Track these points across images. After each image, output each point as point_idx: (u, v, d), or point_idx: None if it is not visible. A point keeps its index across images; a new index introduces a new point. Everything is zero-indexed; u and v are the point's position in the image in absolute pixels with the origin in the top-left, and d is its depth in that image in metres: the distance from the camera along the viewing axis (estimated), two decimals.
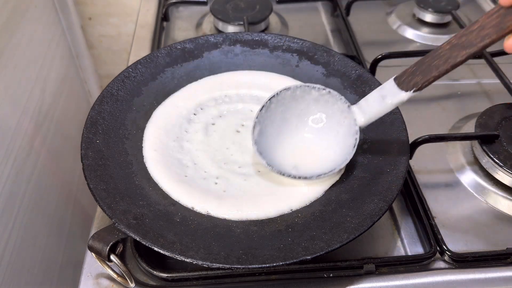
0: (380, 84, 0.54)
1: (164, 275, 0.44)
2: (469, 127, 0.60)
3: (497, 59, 0.66)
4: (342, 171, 0.49)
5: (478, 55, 0.55)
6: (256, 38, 0.62)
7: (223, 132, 0.55)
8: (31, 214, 0.74)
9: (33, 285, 0.74)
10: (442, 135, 0.56)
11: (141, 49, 0.75)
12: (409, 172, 0.54)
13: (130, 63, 0.60)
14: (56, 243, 0.83)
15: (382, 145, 0.50)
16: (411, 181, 0.53)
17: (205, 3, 0.84)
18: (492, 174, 0.54)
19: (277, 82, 0.59)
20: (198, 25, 0.83)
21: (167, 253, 0.39)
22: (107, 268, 0.43)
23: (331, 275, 0.45)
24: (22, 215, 0.71)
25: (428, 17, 0.80)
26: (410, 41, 0.79)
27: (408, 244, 0.49)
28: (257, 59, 0.61)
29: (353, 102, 0.55)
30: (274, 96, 0.48)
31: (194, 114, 0.56)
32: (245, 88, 0.59)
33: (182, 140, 0.53)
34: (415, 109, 0.64)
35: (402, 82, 0.41)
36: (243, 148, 0.53)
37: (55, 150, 0.86)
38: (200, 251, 0.40)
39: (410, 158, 0.50)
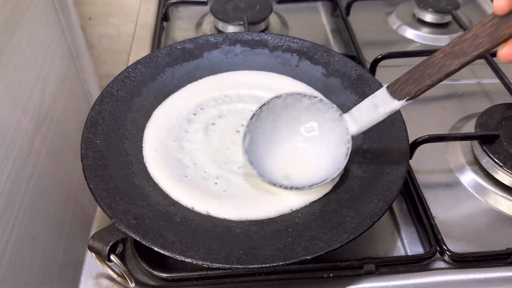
0: (380, 84, 0.54)
1: (164, 275, 0.44)
2: (469, 127, 0.60)
3: (497, 59, 0.66)
4: (337, 179, 0.49)
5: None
6: (256, 38, 0.62)
7: (223, 132, 0.55)
8: (31, 214, 0.74)
9: (33, 285, 0.74)
10: (442, 135, 0.56)
11: (141, 49, 0.75)
12: (409, 172, 0.54)
13: (130, 63, 0.60)
14: (56, 243, 0.83)
15: (382, 145, 0.50)
16: (411, 181, 0.53)
17: (205, 3, 0.84)
18: (492, 174, 0.54)
19: (277, 82, 0.59)
20: (198, 25, 0.83)
21: (167, 253, 0.39)
22: (107, 268, 0.43)
23: (331, 275, 0.45)
24: (22, 215, 0.71)
25: (428, 17, 0.80)
26: (410, 41, 0.79)
27: (408, 244, 0.49)
28: (257, 59, 0.61)
29: (353, 102, 0.55)
30: (264, 104, 0.47)
31: (194, 114, 0.56)
32: (245, 88, 0.59)
33: (182, 140, 0.53)
34: (415, 109, 0.64)
35: (394, 91, 0.41)
36: None
37: (55, 150, 0.86)
38: (200, 251, 0.40)
39: (410, 158, 0.50)
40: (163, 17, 0.83)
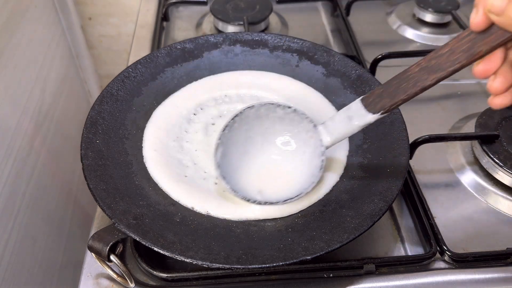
0: (379, 83, 0.54)
1: (164, 275, 0.44)
2: (469, 127, 0.60)
3: None
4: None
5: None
6: (256, 38, 0.62)
7: None
8: (31, 214, 0.74)
9: (33, 285, 0.74)
10: (442, 135, 0.56)
11: (141, 49, 0.75)
12: (409, 172, 0.54)
13: (130, 63, 0.60)
14: (56, 243, 0.83)
15: (382, 145, 0.50)
16: (411, 181, 0.53)
17: (205, 3, 0.84)
18: (492, 174, 0.54)
19: (277, 82, 0.59)
20: (198, 25, 0.83)
21: (167, 253, 0.39)
22: (107, 268, 0.43)
23: (331, 275, 0.45)
24: (22, 215, 0.71)
25: (428, 17, 0.80)
26: (410, 41, 0.79)
27: (408, 244, 0.49)
28: (257, 59, 0.61)
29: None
30: (237, 115, 0.46)
31: (194, 114, 0.56)
32: (245, 88, 0.59)
33: (182, 140, 0.53)
34: (415, 109, 0.64)
35: (369, 104, 0.40)
36: None
37: (55, 150, 0.86)
38: (200, 251, 0.40)
39: (410, 158, 0.50)
40: (163, 17, 0.83)
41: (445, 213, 0.52)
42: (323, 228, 0.43)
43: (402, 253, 0.49)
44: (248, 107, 0.46)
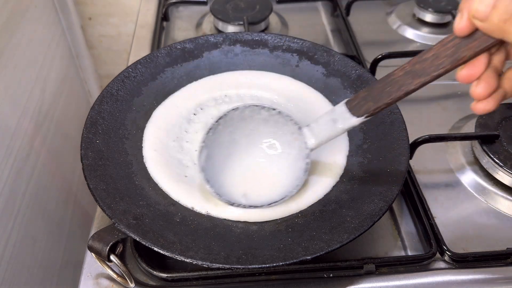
0: None
1: (164, 275, 0.44)
2: (469, 127, 0.60)
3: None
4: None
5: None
6: (256, 38, 0.62)
7: None
8: (31, 214, 0.74)
9: (33, 285, 0.74)
10: (442, 135, 0.56)
11: (141, 49, 0.75)
12: (409, 172, 0.54)
13: (130, 63, 0.60)
14: (56, 243, 0.83)
15: (382, 145, 0.50)
16: (411, 181, 0.53)
17: (205, 3, 0.84)
18: (492, 174, 0.54)
19: (277, 82, 0.59)
20: (198, 25, 0.83)
21: (167, 253, 0.39)
22: (107, 268, 0.43)
23: (331, 275, 0.45)
24: (22, 215, 0.71)
25: (428, 17, 0.80)
26: (410, 41, 0.79)
27: (408, 244, 0.49)
28: (257, 59, 0.61)
29: None
30: (221, 117, 0.46)
31: (194, 114, 0.56)
32: (245, 88, 0.59)
33: (182, 140, 0.53)
34: (415, 109, 0.64)
35: (353, 107, 0.40)
36: None
37: (55, 150, 0.86)
38: (200, 251, 0.40)
39: (410, 158, 0.50)
40: (163, 17, 0.83)
41: (445, 213, 0.52)
42: (323, 228, 0.43)
43: (402, 253, 0.49)
44: (233, 109, 0.46)
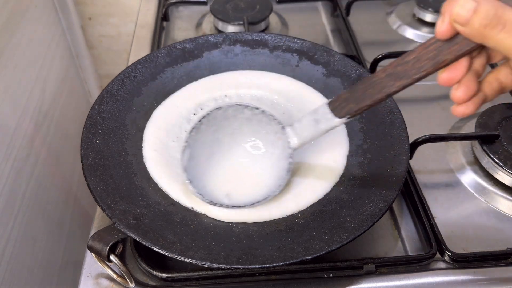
0: None
1: (164, 275, 0.44)
2: (469, 127, 0.60)
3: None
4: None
5: None
6: (256, 38, 0.62)
7: None
8: (31, 214, 0.74)
9: (33, 285, 0.74)
10: (442, 135, 0.56)
11: (141, 49, 0.75)
12: (409, 172, 0.54)
13: (130, 63, 0.60)
14: (56, 243, 0.83)
15: (382, 145, 0.50)
16: (411, 181, 0.53)
17: (205, 3, 0.84)
18: (492, 174, 0.54)
19: (277, 82, 0.59)
20: (198, 25, 0.83)
21: (167, 253, 0.39)
22: (107, 268, 0.43)
23: (331, 275, 0.45)
24: (22, 215, 0.71)
25: (428, 17, 0.80)
26: (410, 41, 0.79)
27: (408, 244, 0.49)
28: (257, 59, 0.61)
29: None
30: (204, 116, 0.46)
31: (194, 114, 0.56)
32: (245, 88, 0.59)
33: (182, 140, 0.53)
34: (415, 109, 0.64)
35: (335, 108, 0.40)
36: None
37: (55, 150, 0.86)
38: (200, 251, 0.40)
39: (410, 158, 0.50)
40: (163, 17, 0.83)
41: (445, 213, 0.52)
42: (323, 228, 0.43)
43: (402, 253, 0.49)
44: (216, 108, 0.46)
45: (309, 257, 0.39)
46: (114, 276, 0.44)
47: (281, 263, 0.39)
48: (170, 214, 0.45)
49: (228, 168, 0.48)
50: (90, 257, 0.47)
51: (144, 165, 0.50)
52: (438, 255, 0.47)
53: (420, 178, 0.54)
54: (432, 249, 0.46)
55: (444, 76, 0.34)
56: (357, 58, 0.70)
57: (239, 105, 0.46)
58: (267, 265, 0.39)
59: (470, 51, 0.32)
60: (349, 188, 0.47)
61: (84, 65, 1.06)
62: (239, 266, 0.39)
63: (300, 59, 0.60)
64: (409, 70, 0.35)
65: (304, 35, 0.64)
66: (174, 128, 0.54)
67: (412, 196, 0.52)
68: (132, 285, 0.44)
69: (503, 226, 0.51)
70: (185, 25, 0.83)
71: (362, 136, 0.52)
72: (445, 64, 0.33)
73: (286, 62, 0.61)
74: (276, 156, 0.47)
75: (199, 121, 0.46)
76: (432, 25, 0.80)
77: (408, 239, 0.50)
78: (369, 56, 0.72)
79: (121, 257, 0.42)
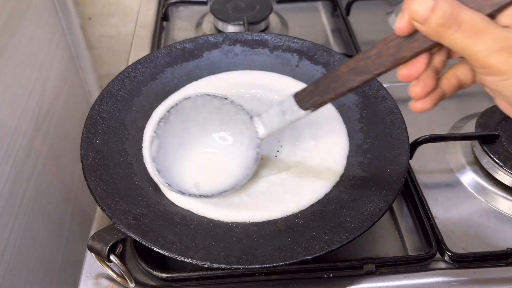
0: (380, 84, 0.54)
1: (164, 275, 0.44)
2: (469, 127, 0.60)
3: None
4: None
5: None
6: (256, 38, 0.62)
7: None
8: (31, 214, 0.74)
9: (33, 285, 0.74)
10: (442, 135, 0.56)
11: (141, 49, 0.75)
12: (409, 172, 0.54)
13: (130, 63, 0.60)
14: (56, 243, 0.83)
15: (382, 145, 0.50)
16: (411, 181, 0.53)
17: (205, 3, 0.84)
18: (492, 174, 0.54)
19: (277, 82, 0.59)
20: (198, 25, 0.83)
21: (167, 253, 0.39)
22: (107, 268, 0.43)
23: (331, 275, 0.45)
24: (22, 215, 0.71)
25: None
26: None
27: (408, 244, 0.49)
28: (257, 59, 0.61)
29: (354, 102, 0.55)
30: (173, 106, 0.46)
31: None
32: (245, 88, 0.59)
33: None
34: None
35: (301, 100, 0.41)
36: None
37: (55, 150, 0.86)
38: (200, 251, 0.40)
39: (410, 158, 0.50)
40: (163, 17, 0.83)
41: (445, 213, 0.52)
42: (323, 228, 0.43)
43: (402, 253, 0.49)
44: (185, 98, 0.46)
45: (309, 257, 0.39)
46: (114, 276, 0.44)
47: (281, 263, 0.39)
48: (170, 214, 0.45)
49: (197, 158, 0.49)
50: (90, 257, 0.47)
51: (144, 165, 0.50)
52: (438, 255, 0.47)
53: (420, 178, 0.54)
54: (432, 249, 0.46)
55: (403, 72, 0.34)
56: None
57: (208, 95, 0.47)
58: (267, 265, 0.39)
59: (429, 48, 0.33)
60: (349, 188, 0.47)
61: (84, 65, 1.06)
62: (239, 266, 0.39)
63: (300, 59, 0.60)
64: (370, 66, 0.35)
65: (304, 35, 0.64)
66: None
67: (412, 196, 0.52)
68: (132, 285, 0.44)
69: (503, 226, 0.51)
70: (185, 25, 0.83)
71: (362, 136, 0.52)
72: (405, 61, 0.34)
73: (286, 62, 0.61)
74: (244, 146, 0.47)
75: (168, 111, 0.46)
76: None
77: (408, 239, 0.50)
78: None
79: (121, 257, 0.42)
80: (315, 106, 0.41)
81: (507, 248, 0.47)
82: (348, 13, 0.82)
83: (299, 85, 0.59)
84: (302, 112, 0.41)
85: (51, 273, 0.80)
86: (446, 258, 0.47)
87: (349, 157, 0.51)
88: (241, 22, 0.76)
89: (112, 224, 0.41)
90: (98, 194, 0.43)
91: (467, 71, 0.34)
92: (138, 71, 0.57)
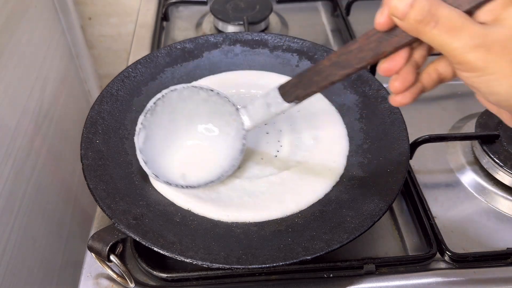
0: (380, 83, 0.54)
1: (164, 275, 0.44)
2: (469, 127, 0.60)
3: None
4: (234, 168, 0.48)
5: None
6: (256, 38, 0.62)
7: None
8: (31, 214, 0.74)
9: (33, 285, 0.74)
10: (442, 135, 0.56)
11: (141, 49, 0.75)
12: (409, 172, 0.54)
13: (130, 63, 0.60)
14: (56, 243, 0.83)
15: (382, 145, 0.50)
16: (411, 181, 0.53)
17: (205, 3, 0.84)
18: (492, 174, 0.54)
19: (277, 82, 0.59)
20: (198, 25, 0.83)
21: (166, 253, 0.39)
22: (107, 268, 0.43)
23: (331, 275, 0.45)
24: (22, 215, 0.71)
25: None
26: None
27: (408, 244, 0.49)
28: (257, 59, 0.61)
29: (354, 102, 0.55)
30: (159, 98, 0.47)
31: None
32: (245, 88, 0.59)
33: None
34: (415, 109, 0.64)
35: (285, 93, 0.42)
36: None
37: (55, 150, 0.86)
38: (199, 251, 0.40)
39: (410, 158, 0.50)
40: (163, 17, 0.83)
41: (445, 213, 0.52)
42: (323, 228, 0.43)
43: (402, 253, 0.49)
44: (171, 90, 0.47)
45: (309, 257, 0.39)
46: (114, 276, 0.44)
47: (281, 263, 0.39)
48: (170, 214, 0.45)
49: (184, 149, 0.49)
50: (90, 257, 0.47)
51: None
52: (438, 255, 0.47)
53: (420, 178, 0.54)
54: (432, 249, 0.46)
55: (383, 66, 0.35)
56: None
57: (194, 87, 0.47)
58: (267, 265, 0.39)
59: (408, 43, 0.33)
60: (349, 188, 0.47)
61: (84, 65, 1.06)
62: (239, 266, 0.39)
63: (300, 59, 0.60)
64: (351, 60, 0.36)
65: (304, 35, 0.64)
66: None
67: (412, 196, 0.52)
68: (132, 285, 0.44)
69: (503, 226, 0.51)
70: (185, 25, 0.83)
71: (362, 136, 0.52)
72: (385, 55, 0.34)
73: (286, 62, 0.61)
74: (231, 137, 0.48)
75: (154, 103, 0.47)
76: None
77: (408, 239, 0.50)
78: None
79: (121, 257, 0.42)
80: (299, 99, 0.41)
81: (507, 248, 0.47)
82: (348, 13, 0.82)
83: None
84: (286, 104, 0.42)
85: (51, 273, 0.80)
86: (446, 258, 0.47)
87: (349, 157, 0.51)
88: (241, 22, 0.76)
89: (112, 224, 0.41)
90: (98, 194, 0.43)
91: (447, 66, 0.35)
92: (138, 71, 0.57)
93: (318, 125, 0.54)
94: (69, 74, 0.98)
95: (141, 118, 0.47)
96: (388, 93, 0.53)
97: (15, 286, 0.68)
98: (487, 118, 0.58)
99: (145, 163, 0.46)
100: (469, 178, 0.55)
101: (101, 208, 0.42)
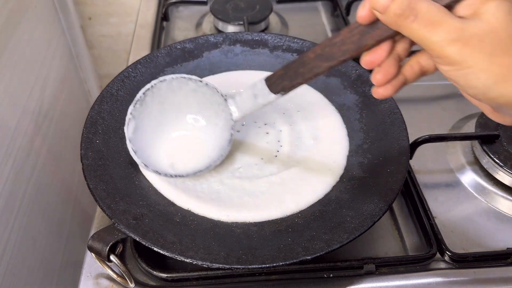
0: None
1: (164, 275, 0.44)
2: (469, 127, 0.60)
3: None
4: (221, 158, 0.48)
5: None
6: (256, 38, 0.62)
7: None
8: (31, 214, 0.74)
9: (33, 285, 0.74)
10: (442, 135, 0.56)
11: (141, 49, 0.75)
12: (409, 172, 0.54)
13: (130, 63, 0.60)
14: (56, 243, 0.83)
15: (382, 145, 0.50)
16: (411, 181, 0.53)
17: (205, 3, 0.84)
18: (492, 174, 0.54)
19: None
20: (198, 25, 0.83)
21: (166, 253, 0.39)
22: (107, 268, 0.43)
23: (331, 275, 0.45)
24: (22, 215, 0.71)
25: None
26: None
27: (408, 244, 0.49)
28: (257, 59, 0.61)
29: (354, 102, 0.55)
30: (148, 89, 0.47)
31: None
32: (245, 88, 0.59)
33: None
34: (415, 109, 0.64)
35: (271, 84, 0.42)
36: (243, 148, 0.52)
37: (55, 150, 0.86)
38: (199, 251, 0.40)
39: (410, 158, 0.50)
40: (163, 17, 0.83)
41: (445, 213, 0.52)
42: (323, 228, 0.43)
43: (402, 253, 0.49)
44: (160, 81, 0.47)
45: (309, 257, 0.39)
46: (114, 276, 0.44)
47: (281, 263, 0.39)
48: (170, 214, 0.45)
49: (173, 139, 0.50)
50: (90, 257, 0.47)
51: None
52: (438, 255, 0.47)
53: (420, 178, 0.54)
54: (432, 249, 0.46)
55: (366, 59, 0.35)
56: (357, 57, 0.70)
57: (183, 77, 0.47)
58: (267, 265, 0.39)
59: (390, 36, 0.33)
60: (349, 188, 0.47)
61: (84, 65, 1.06)
62: (239, 266, 0.39)
63: None
64: (335, 53, 0.36)
65: (304, 35, 0.64)
66: None
67: (412, 196, 0.52)
68: (132, 285, 0.44)
69: (503, 226, 0.51)
70: (185, 25, 0.83)
71: (362, 136, 0.52)
72: (368, 48, 0.35)
73: (286, 62, 0.60)
74: (219, 128, 0.48)
75: (143, 93, 0.47)
76: None
77: (408, 239, 0.50)
78: None
79: (121, 257, 0.42)
80: (285, 90, 0.42)
81: (507, 248, 0.47)
82: (348, 13, 0.82)
83: None
84: (272, 95, 0.43)
85: (51, 273, 0.80)
86: (446, 258, 0.47)
87: (349, 157, 0.51)
88: (241, 22, 0.76)
89: (112, 224, 0.41)
90: (98, 194, 0.43)
91: (429, 59, 0.35)
92: (138, 71, 0.57)
93: (318, 125, 0.54)
94: (69, 74, 0.98)
95: (130, 108, 0.47)
96: None
97: (15, 286, 0.68)
98: (487, 118, 0.57)
99: (135, 152, 0.47)
100: (469, 178, 0.55)
101: (101, 208, 0.42)
